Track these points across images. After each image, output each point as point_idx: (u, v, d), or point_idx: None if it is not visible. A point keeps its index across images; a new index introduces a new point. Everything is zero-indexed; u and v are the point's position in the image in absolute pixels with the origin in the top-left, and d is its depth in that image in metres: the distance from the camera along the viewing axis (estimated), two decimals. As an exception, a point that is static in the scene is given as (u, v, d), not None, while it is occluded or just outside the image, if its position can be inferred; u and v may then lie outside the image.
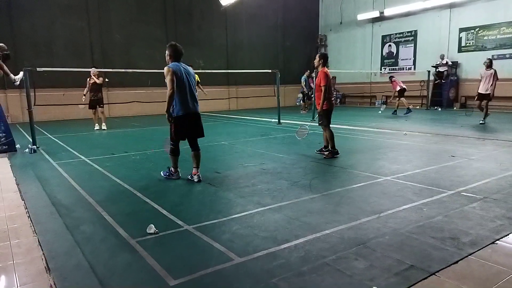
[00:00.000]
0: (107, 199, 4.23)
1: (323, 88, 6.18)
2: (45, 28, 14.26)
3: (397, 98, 14.06)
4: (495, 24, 14.78)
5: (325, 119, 6.35)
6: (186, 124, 4.72)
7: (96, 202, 4.06)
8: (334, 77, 14.20)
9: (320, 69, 6.39)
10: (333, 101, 6.67)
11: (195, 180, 4.78)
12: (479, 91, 10.44)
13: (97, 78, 10.55)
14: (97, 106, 10.82)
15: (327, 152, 6.41)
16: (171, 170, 4.97)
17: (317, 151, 6.69)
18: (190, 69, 4.80)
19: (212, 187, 4.60)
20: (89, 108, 10.91)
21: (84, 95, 10.66)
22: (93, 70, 10.60)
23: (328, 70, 6.35)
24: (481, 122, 10.37)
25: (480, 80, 10.48)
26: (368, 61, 19.79)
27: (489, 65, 10.26)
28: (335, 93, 21.24)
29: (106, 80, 11.45)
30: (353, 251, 2.76)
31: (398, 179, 4.76)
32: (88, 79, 10.62)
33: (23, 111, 12.77)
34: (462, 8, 15.68)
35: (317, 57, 6.48)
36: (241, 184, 4.69)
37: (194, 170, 4.86)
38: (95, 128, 10.93)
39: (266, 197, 4.11)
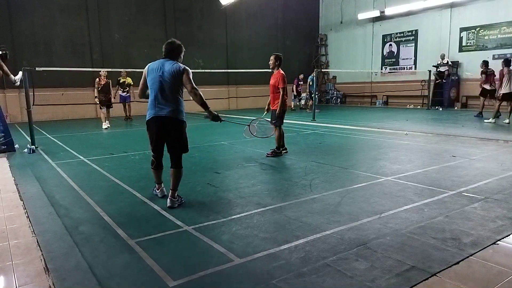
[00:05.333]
0: (106, 199, 4.21)
1: (281, 91, 6.21)
2: (44, 28, 14.23)
3: (482, 98, 11.95)
4: (495, 23, 14.76)
5: (280, 119, 6.41)
6: (154, 132, 3.83)
7: (95, 202, 4.04)
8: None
9: (276, 70, 6.35)
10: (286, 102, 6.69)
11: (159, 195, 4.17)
12: (502, 92, 10.22)
13: (106, 79, 11.20)
14: (108, 106, 11.45)
15: (274, 151, 6.43)
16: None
17: (268, 154, 6.46)
18: (169, 65, 3.77)
19: (212, 187, 4.58)
20: (101, 107, 11.36)
21: (96, 96, 11.13)
22: (102, 71, 11.19)
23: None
24: (506, 122, 10.19)
25: (498, 80, 10.31)
26: (368, 61, 19.77)
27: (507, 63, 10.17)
28: (335, 92, 21.30)
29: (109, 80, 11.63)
30: (354, 251, 2.74)
31: (399, 179, 4.74)
32: (97, 79, 11.08)
33: (22, 111, 12.74)
34: (462, 7, 15.67)
35: (272, 58, 6.34)
36: (241, 184, 4.68)
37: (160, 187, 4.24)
38: (103, 127, 11.15)
39: (266, 198, 4.10)
